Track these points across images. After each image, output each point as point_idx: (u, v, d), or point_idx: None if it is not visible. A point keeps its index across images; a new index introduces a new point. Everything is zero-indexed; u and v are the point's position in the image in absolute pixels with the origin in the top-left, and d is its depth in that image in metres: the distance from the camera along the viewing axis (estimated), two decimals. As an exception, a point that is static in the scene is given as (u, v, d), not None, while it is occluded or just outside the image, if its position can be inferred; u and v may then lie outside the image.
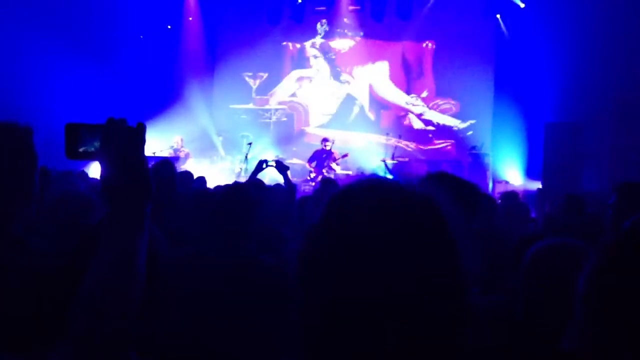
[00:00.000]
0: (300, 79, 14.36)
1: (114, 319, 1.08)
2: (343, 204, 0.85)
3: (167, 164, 3.75)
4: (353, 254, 0.79)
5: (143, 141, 1.16)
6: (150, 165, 1.18)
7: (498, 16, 12.71)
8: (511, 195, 5.83)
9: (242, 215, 2.51)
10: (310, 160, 11.61)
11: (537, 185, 10.24)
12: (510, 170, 11.95)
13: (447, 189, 0.90)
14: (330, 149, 11.52)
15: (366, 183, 0.88)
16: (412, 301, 0.78)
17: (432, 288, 0.79)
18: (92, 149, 1.17)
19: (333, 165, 11.37)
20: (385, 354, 0.78)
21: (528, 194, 10.07)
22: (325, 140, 11.67)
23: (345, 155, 11.55)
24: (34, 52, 10.56)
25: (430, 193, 0.86)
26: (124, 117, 1.16)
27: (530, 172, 11.42)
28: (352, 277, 0.79)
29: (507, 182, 11.47)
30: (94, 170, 7.37)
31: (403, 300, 0.78)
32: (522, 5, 12.25)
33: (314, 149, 12.02)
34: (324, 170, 11.21)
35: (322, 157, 11.48)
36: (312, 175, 11.35)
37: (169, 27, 14.03)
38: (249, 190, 2.59)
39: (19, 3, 10.54)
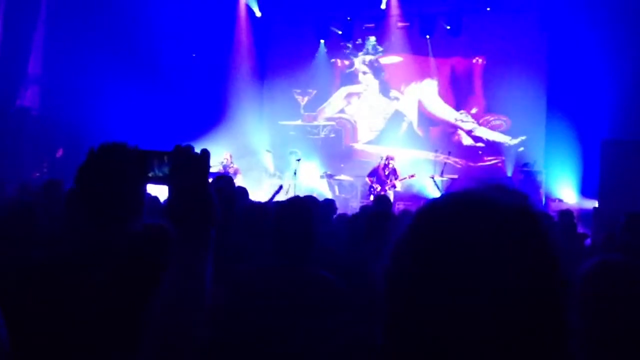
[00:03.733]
0: (349, 95, 14.41)
1: (183, 336, 1.13)
2: (431, 221, 0.81)
3: (227, 180, 3.86)
4: (444, 270, 0.75)
5: (207, 167, 1.22)
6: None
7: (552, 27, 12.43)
8: (567, 213, 5.83)
9: (302, 230, 2.51)
10: (370, 175, 11.57)
11: (592, 204, 9.93)
12: (564, 188, 11.64)
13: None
14: (394, 167, 11.46)
15: (456, 197, 0.84)
16: (508, 319, 0.73)
17: (532, 302, 0.75)
18: (160, 174, 1.24)
19: (397, 182, 11.31)
20: None
21: (583, 212, 9.79)
22: (390, 158, 11.58)
23: (412, 176, 11.44)
24: (89, 71, 10.92)
25: (527, 204, 0.81)
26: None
27: (585, 190, 11.09)
28: (439, 294, 0.75)
29: (560, 200, 11.17)
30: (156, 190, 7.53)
31: (498, 317, 0.73)
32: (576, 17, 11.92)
33: (362, 165, 12.01)
34: (386, 187, 11.14)
35: (383, 173, 11.40)
36: (377, 188, 11.22)
37: (221, 42, 14.32)
38: (309, 205, 2.58)
39: (74, 23, 10.95)
